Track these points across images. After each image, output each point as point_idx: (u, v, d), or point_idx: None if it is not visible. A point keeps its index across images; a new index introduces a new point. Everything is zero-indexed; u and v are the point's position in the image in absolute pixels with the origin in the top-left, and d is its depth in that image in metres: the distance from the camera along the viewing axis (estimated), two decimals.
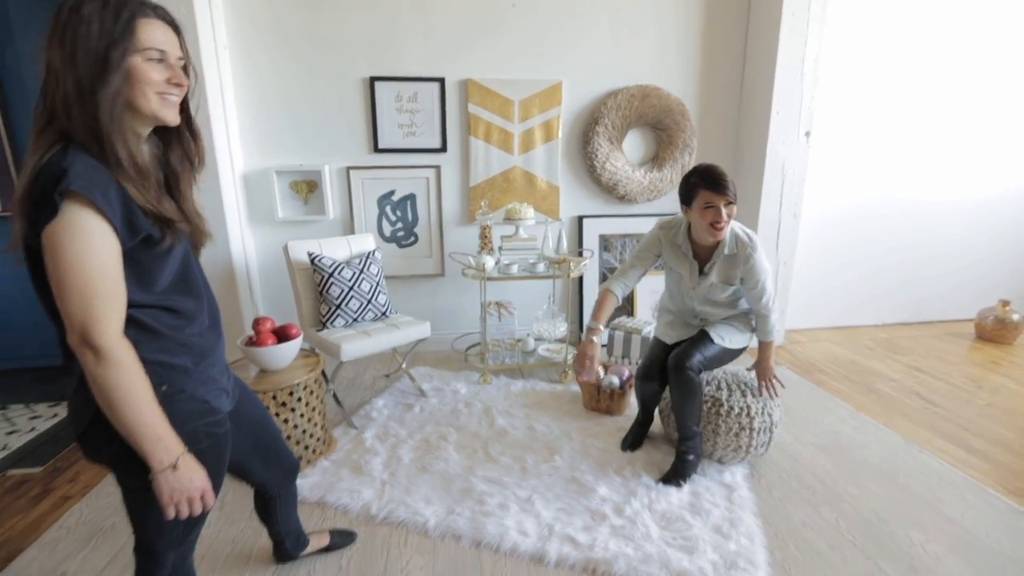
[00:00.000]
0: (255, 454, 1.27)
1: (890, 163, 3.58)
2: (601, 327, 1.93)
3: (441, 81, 3.03)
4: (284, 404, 2.01)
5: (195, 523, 1.04)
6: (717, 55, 3.21)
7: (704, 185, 1.76)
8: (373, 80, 2.97)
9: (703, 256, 1.94)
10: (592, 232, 3.35)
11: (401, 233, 3.25)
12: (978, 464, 2.15)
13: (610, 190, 3.26)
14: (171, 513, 0.90)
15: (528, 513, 1.81)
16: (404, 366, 2.81)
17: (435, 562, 1.62)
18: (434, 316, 3.37)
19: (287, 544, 1.53)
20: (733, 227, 1.87)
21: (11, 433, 2.36)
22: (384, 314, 2.72)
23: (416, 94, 3.04)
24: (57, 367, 3.09)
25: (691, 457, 2.00)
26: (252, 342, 2.02)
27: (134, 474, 0.90)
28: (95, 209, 0.79)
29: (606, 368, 2.67)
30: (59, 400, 2.71)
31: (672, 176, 3.26)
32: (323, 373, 2.45)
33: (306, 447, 2.11)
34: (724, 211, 1.76)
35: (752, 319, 2.08)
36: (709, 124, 3.31)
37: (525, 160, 3.20)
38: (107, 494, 1.95)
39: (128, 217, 0.85)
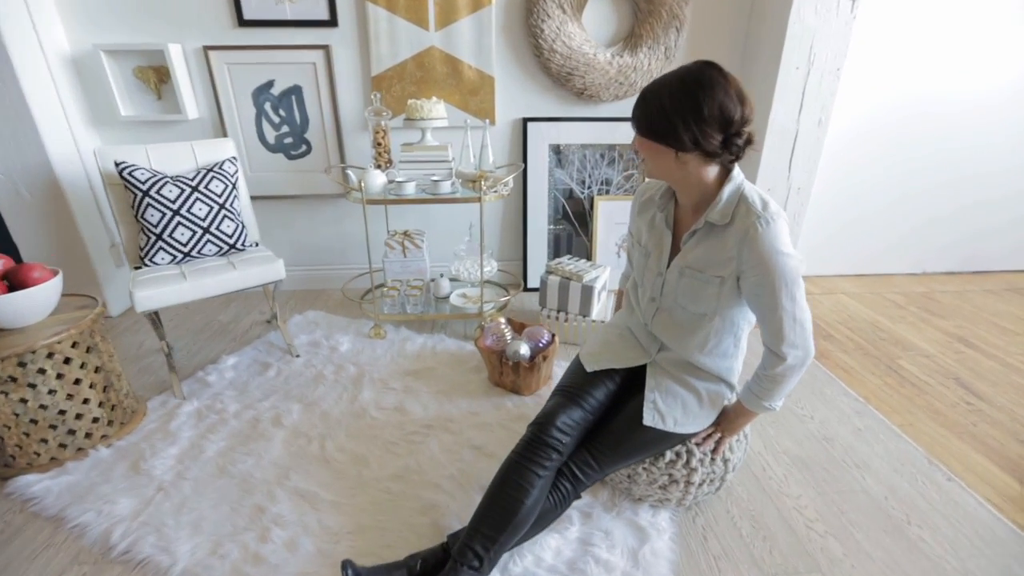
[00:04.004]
0: None
1: (946, 46, 2.52)
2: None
3: None
4: (13, 379, 1.41)
5: None
6: None
7: None
8: None
9: (684, 226, 1.18)
10: (538, 141, 2.51)
11: (289, 140, 2.49)
12: None
13: (564, 81, 2.37)
14: None
15: (327, 558, 1.22)
16: (276, 314, 2.18)
17: None
18: (340, 248, 2.70)
19: None
20: (742, 186, 1.08)
21: None
22: (234, 247, 2.04)
23: None
24: None
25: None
26: None
27: None
28: None
29: (521, 328, 1.97)
30: None
31: (650, 63, 2.35)
32: (154, 323, 1.85)
33: (70, 431, 1.53)
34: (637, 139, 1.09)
35: (731, 390, 1.28)
36: None
37: (445, 38, 2.32)
38: None
39: None
